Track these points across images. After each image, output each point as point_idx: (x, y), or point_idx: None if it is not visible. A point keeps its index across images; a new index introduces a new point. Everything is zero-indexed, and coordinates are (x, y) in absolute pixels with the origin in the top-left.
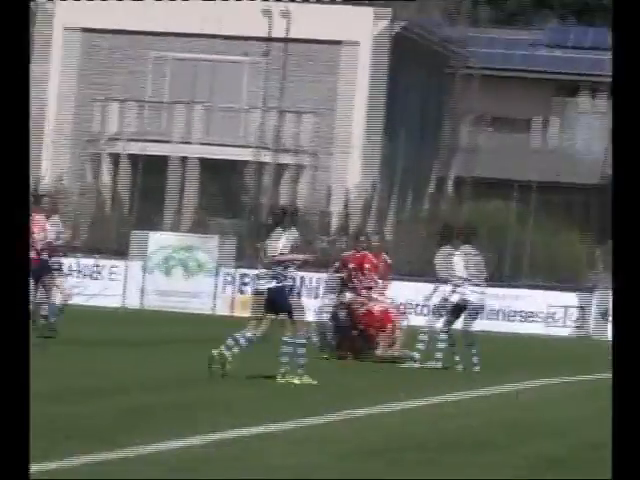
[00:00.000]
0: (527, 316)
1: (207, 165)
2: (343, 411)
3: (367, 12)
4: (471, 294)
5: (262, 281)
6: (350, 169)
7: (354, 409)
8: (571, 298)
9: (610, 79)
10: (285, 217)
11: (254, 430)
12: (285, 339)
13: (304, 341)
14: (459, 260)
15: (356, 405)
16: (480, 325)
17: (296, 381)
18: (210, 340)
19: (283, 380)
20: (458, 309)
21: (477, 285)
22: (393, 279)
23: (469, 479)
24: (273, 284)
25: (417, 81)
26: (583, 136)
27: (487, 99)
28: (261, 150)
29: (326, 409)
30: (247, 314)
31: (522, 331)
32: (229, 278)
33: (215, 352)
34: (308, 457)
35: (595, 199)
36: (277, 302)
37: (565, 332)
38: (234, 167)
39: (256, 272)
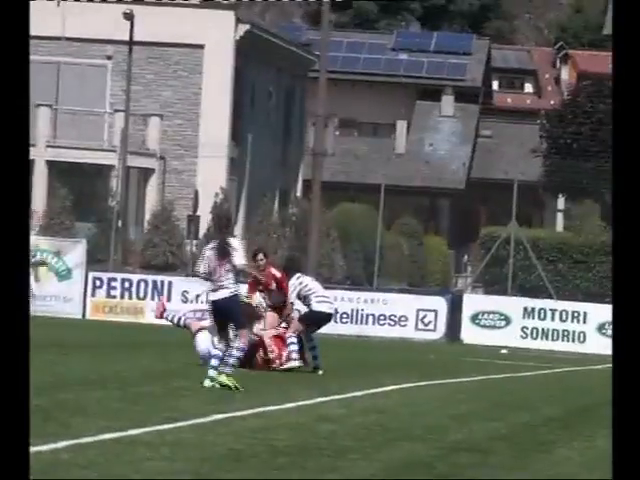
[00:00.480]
0: (398, 320)
1: (56, 168)
2: (210, 416)
3: (213, 15)
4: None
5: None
6: (198, 172)
7: (217, 413)
8: (440, 302)
9: (471, 83)
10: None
11: (115, 435)
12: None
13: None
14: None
15: (220, 410)
16: (348, 330)
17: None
18: (75, 344)
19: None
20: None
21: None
22: None
23: None
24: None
25: (271, 84)
26: (447, 141)
27: (349, 103)
28: (110, 153)
29: (191, 415)
30: (99, 317)
31: (392, 335)
32: (81, 281)
33: (210, 384)
34: (163, 462)
35: (460, 203)
36: (228, 310)
37: (435, 336)
38: (84, 170)
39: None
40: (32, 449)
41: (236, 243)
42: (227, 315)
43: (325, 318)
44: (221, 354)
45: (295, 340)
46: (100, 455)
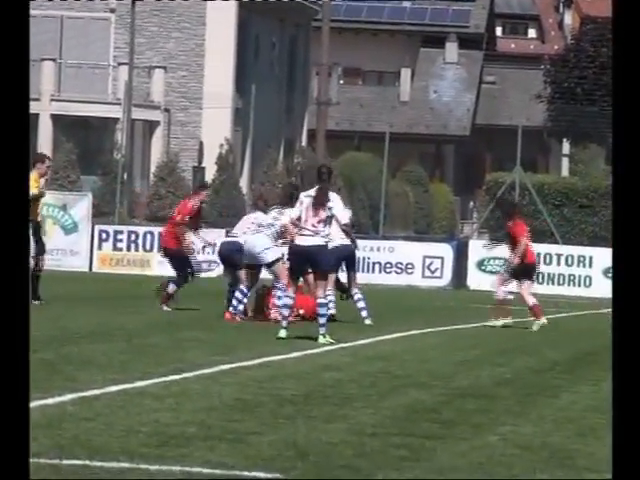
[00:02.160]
0: (404, 268)
1: (60, 122)
2: (216, 366)
3: None
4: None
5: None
6: (203, 124)
7: (223, 364)
8: (446, 249)
9: (474, 30)
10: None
11: (121, 387)
12: None
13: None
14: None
15: (226, 360)
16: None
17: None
18: (83, 297)
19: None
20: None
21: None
22: None
23: (337, 431)
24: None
25: (274, 35)
26: (452, 87)
27: (353, 52)
28: (115, 106)
29: (196, 365)
30: (106, 269)
31: (398, 282)
32: (88, 234)
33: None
34: (169, 413)
35: (465, 150)
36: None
37: (442, 283)
38: (88, 123)
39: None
40: (38, 402)
41: (335, 196)
42: (313, 263)
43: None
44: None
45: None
46: (106, 407)
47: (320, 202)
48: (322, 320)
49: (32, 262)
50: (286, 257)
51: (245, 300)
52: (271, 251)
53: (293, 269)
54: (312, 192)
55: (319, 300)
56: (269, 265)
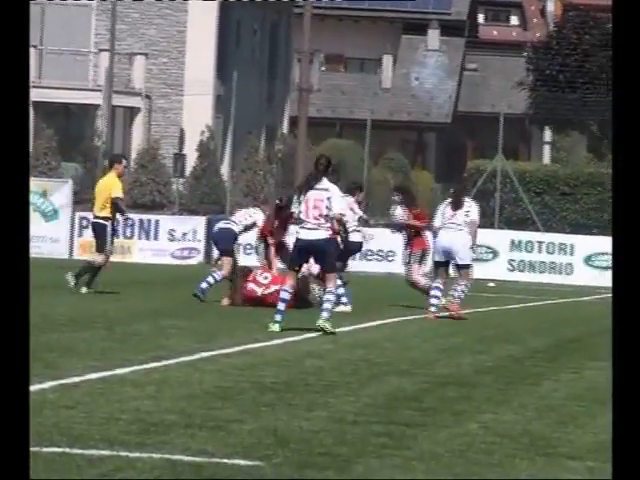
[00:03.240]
0: (385, 255)
1: (43, 109)
2: (197, 354)
3: None
4: None
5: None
6: (184, 111)
7: (203, 352)
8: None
9: (457, 17)
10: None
11: (101, 374)
12: None
13: None
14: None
15: (207, 348)
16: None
17: None
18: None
19: None
20: None
21: None
22: None
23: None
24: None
25: (256, 22)
26: (433, 75)
27: (335, 39)
28: (95, 92)
29: (177, 353)
30: (87, 256)
31: (379, 270)
32: (69, 222)
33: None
34: (149, 400)
35: (447, 137)
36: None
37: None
38: (69, 110)
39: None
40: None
41: (334, 188)
42: (320, 257)
43: None
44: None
45: None
46: (86, 395)
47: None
48: (327, 305)
49: (102, 258)
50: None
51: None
52: None
53: (294, 261)
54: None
55: (328, 289)
56: None
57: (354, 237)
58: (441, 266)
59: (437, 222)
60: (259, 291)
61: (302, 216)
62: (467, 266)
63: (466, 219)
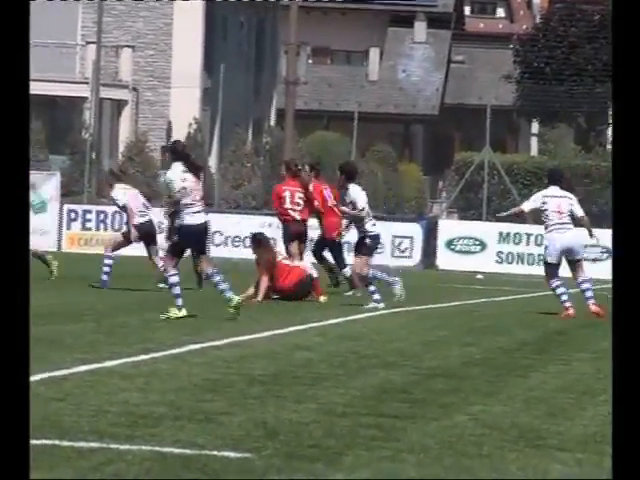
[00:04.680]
0: None
1: (30, 101)
2: (185, 346)
3: None
4: None
5: None
6: (172, 104)
7: (192, 344)
8: (416, 229)
9: (443, 9)
10: None
11: (90, 367)
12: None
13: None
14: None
15: (195, 340)
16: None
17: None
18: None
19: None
20: None
21: None
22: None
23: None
24: None
25: (243, 14)
26: (420, 67)
27: (321, 31)
28: (82, 85)
29: (166, 345)
30: (74, 249)
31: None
32: (56, 214)
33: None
34: (138, 393)
35: (434, 130)
36: None
37: (411, 262)
38: (55, 103)
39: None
40: None
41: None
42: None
43: None
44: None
45: None
46: (75, 387)
47: None
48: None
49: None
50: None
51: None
52: None
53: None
54: None
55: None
56: None
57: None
58: (557, 267)
59: (527, 207)
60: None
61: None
62: (581, 259)
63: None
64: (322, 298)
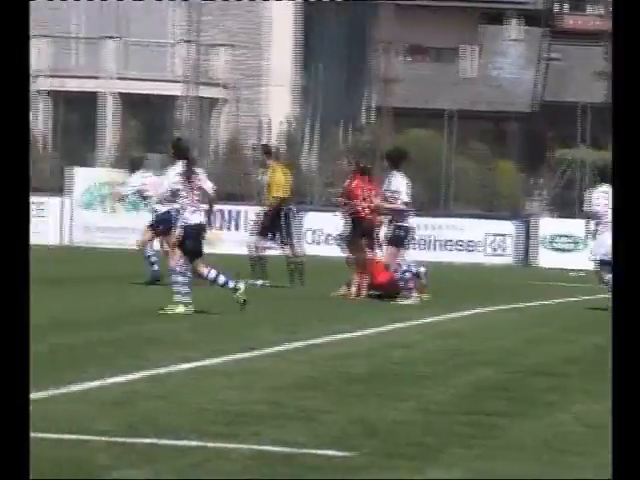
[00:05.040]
0: (468, 245)
1: (129, 100)
2: (285, 344)
3: None
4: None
5: None
6: (271, 102)
7: (292, 342)
8: (511, 226)
9: (536, 6)
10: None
11: (190, 365)
12: None
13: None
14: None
15: (296, 338)
16: (419, 256)
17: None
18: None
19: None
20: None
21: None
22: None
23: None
24: None
25: (338, 12)
26: (514, 64)
27: (414, 29)
28: (183, 84)
29: (267, 343)
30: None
31: (463, 260)
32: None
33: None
34: (238, 391)
35: (529, 127)
36: None
37: (506, 260)
38: (157, 102)
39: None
40: (108, 380)
41: None
42: None
43: None
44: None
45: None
46: (175, 385)
47: None
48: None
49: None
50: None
51: None
52: None
53: None
54: None
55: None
56: None
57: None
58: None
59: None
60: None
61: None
62: None
63: None
64: (424, 296)
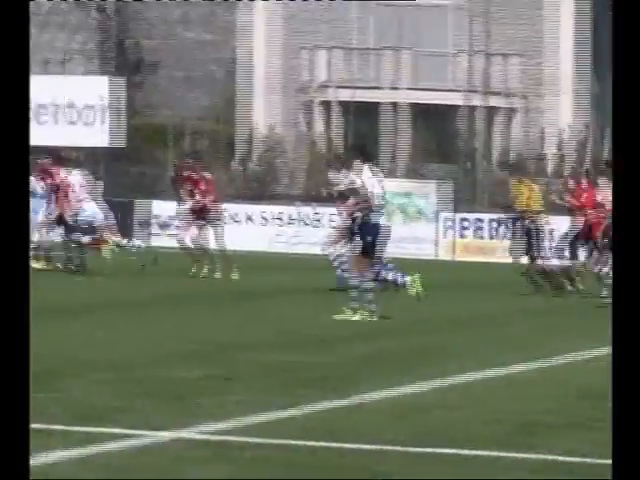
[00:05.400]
0: None
1: (417, 110)
2: (569, 353)
3: None
4: None
5: None
6: (560, 110)
7: (586, 350)
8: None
9: None
10: None
11: (476, 375)
12: None
13: None
14: None
15: (589, 346)
16: None
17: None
18: (444, 285)
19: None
20: None
21: None
22: None
23: None
24: None
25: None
26: None
27: None
28: (470, 94)
29: (560, 352)
30: (468, 258)
31: None
32: (449, 223)
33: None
34: (534, 400)
35: None
36: None
37: None
38: (444, 112)
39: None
40: (398, 389)
41: None
42: None
43: None
44: None
45: None
46: (466, 396)
47: None
48: None
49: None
50: None
51: None
52: None
53: None
54: None
55: None
56: None
57: None
58: None
59: None
60: None
61: None
62: None
63: None
64: None
